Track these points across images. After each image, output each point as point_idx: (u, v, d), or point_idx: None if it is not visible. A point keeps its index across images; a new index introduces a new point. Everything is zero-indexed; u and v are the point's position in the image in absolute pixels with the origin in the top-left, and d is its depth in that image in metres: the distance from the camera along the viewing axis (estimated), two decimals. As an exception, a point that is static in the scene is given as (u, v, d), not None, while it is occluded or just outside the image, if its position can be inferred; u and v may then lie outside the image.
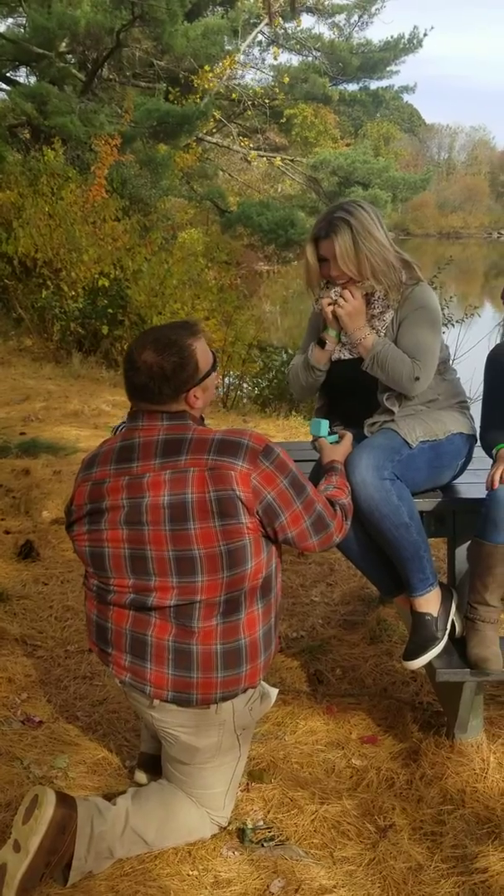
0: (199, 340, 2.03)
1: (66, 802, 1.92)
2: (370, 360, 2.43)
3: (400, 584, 2.45)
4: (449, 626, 2.42)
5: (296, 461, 2.09)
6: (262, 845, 2.11)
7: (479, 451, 2.63)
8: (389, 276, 2.42)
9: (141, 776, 2.30)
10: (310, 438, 2.64)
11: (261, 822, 2.20)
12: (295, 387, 2.70)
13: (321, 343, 2.54)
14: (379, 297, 2.47)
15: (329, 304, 2.46)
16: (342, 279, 2.43)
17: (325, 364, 2.57)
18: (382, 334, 2.46)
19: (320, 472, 2.37)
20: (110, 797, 2.11)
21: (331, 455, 2.38)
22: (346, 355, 2.54)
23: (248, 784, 2.34)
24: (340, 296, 2.45)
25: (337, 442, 2.44)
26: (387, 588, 2.52)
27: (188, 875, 2.01)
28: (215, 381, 2.12)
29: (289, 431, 6.71)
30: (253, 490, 1.94)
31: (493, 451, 2.46)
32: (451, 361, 2.65)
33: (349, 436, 2.45)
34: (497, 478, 2.31)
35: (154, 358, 1.96)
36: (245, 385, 9.06)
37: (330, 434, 2.48)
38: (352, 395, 2.58)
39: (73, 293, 9.97)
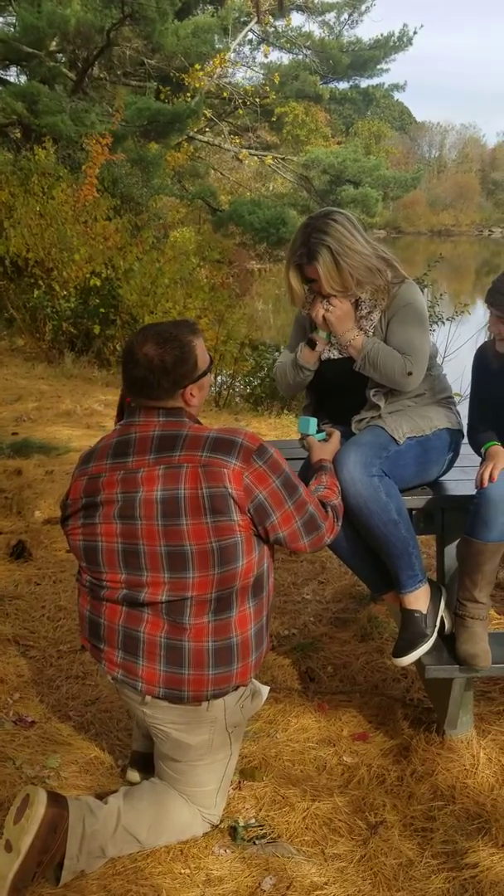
0: (198, 339, 2.05)
1: (57, 802, 1.93)
2: (362, 360, 2.45)
3: (389, 582, 2.46)
4: (438, 623, 2.43)
5: (287, 459, 2.10)
6: (254, 843, 2.12)
7: (466, 448, 2.65)
8: (374, 281, 2.44)
9: (133, 775, 2.31)
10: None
11: (252, 820, 2.21)
12: (282, 384, 2.71)
13: (311, 344, 2.56)
14: (365, 299, 2.49)
15: (319, 310, 2.48)
16: (331, 294, 2.46)
17: (314, 364, 2.59)
18: (371, 334, 2.47)
19: (309, 471, 2.38)
20: (102, 796, 2.12)
21: (319, 454, 2.39)
22: (335, 355, 2.55)
23: (240, 782, 2.35)
24: (328, 301, 2.47)
25: (325, 440, 2.45)
26: (376, 585, 2.53)
27: (180, 873, 2.02)
28: (210, 381, 2.13)
29: (280, 430, 6.73)
30: (245, 488, 1.95)
31: (482, 450, 2.47)
32: (438, 358, 2.66)
33: (337, 434, 2.46)
34: (486, 476, 2.32)
35: (155, 350, 1.97)
36: (237, 384, 9.07)
37: (318, 432, 2.50)
38: (340, 393, 2.60)
39: (65, 293, 9.97)
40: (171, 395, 2.00)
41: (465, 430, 2.62)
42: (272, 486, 1.99)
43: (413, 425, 2.45)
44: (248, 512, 1.97)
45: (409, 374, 2.41)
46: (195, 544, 1.94)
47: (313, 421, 2.49)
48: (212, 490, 1.92)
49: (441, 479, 2.63)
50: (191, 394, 2.03)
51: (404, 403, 2.50)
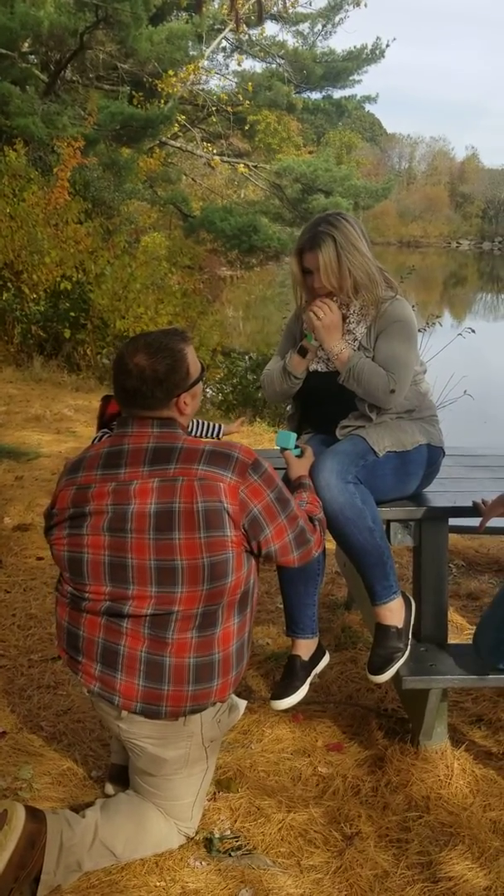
0: (189, 347, 2.04)
1: (35, 817, 1.90)
2: (346, 374, 2.43)
3: (309, 627, 2.49)
4: (411, 634, 2.44)
5: None
6: (230, 855, 2.11)
7: (445, 466, 2.66)
8: (371, 291, 2.43)
9: (110, 788, 2.28)
10: (273, 445, 2.64)
11: (228, 832, 2.20)
12: (268, 392, 2.68)
13: (302, 352, 2.54)
14: (354, 311, 2.49)
15: (314, 314, 2.45)
16: (323, 291, 2.45)
17: (303, 372, 2.57)
18: (356, 347, 2.47)
19: (289, 486, 2.38)
20: (78, 808, 2.09)
21: (298, 470, 2.39)
22: (322, 368, 2.55)
23: (215, 793, 2.34)
24: (318, 307, 2.44)
25: (300, 456, 2.45)
26: (293, 624, 2.52)
27: (155, 886, 2.00)
28: (202, 389, 2.12)
29: (253, 438, 6.72)
30: (240, 503, 1.95)
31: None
32: (425, 374, 2.64)
33: (310, 449, 2.45)
34: None
35: (147, 361, 1.96)
36: (209, 390, 9.06)
37: (294, 448, 2.48)
38: (325, 404, 2.59)
39: (35, 296, 9.87)
40: (164, 404, 1.99)
41: (445, 448, 2.62)
42: (266, 500, 1.99)
43: (394, 439, 2.45)
44: (241, 527, 1.97)
45: (392, 391, 2.39)
46: (186, 559, 1.93)
47: (293, 436, 2.46)
48: (207, 504, 1.91)
49: (420, 490, 2.64)
50: (184, 402, 2.02)
51: (391, 416, 2.50)
